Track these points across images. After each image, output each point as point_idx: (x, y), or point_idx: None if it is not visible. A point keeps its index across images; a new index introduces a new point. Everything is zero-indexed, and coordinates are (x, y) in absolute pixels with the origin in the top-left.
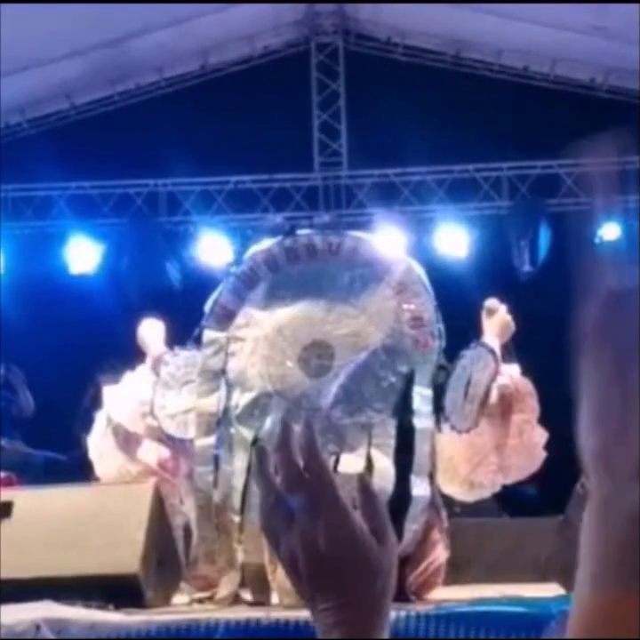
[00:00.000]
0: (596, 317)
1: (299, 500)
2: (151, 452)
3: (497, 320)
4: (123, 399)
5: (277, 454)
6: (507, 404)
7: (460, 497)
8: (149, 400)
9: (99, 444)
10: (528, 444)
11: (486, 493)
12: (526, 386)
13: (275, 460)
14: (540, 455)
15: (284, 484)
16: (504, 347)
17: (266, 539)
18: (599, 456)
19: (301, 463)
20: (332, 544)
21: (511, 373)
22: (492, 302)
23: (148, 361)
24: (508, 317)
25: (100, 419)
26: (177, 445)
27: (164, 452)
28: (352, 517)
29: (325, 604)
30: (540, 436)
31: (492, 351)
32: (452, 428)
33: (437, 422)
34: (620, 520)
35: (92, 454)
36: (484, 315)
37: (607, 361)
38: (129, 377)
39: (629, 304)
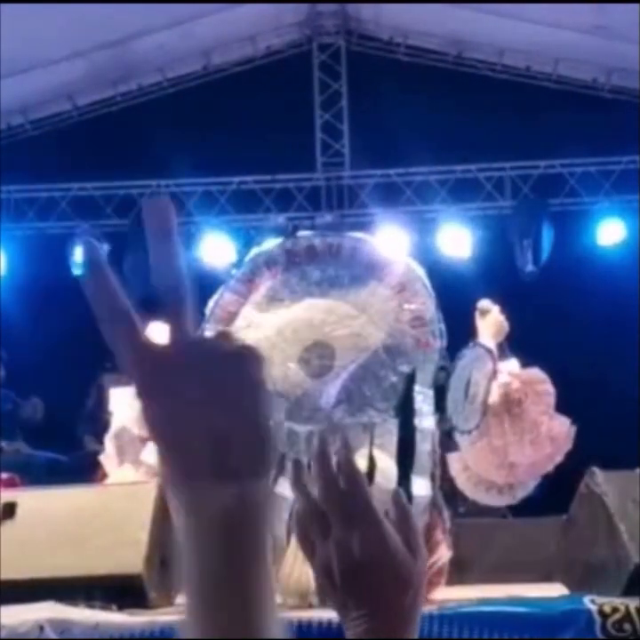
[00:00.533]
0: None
1: (334, 510)
2: (155, 454)
3: (491, 320)
4: (128, 401)
5: (315, 465)
6: (512, 400)
7: (504, 502)
8: None
9: (106, 448)
10: (548, 435)
11: (525, 491)
12: (535, 375)
13: (312, 470)
14: (566, 442)
15: (321, 495)
16: (499, 346)
17: (301, 547)
18: (164, 469)
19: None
20: (367, 554)
21: (511, 369)
22: (484, 303)
23: None
24: (502, 317)
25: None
26: None
27: None
28: (387, 529)
29: (357, 612)
30: (562, 424)
31: (489, 351)
32: (454, 428)
33: (438, 423)
34: (202, 529)
35: (102, 458)
36: (477, 316)
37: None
38: None
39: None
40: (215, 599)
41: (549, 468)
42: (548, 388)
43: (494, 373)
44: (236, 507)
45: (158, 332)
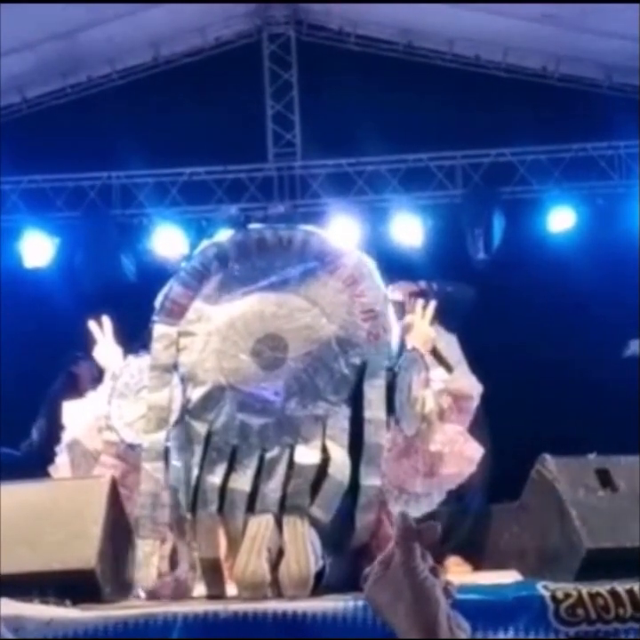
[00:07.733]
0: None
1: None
2: (109, 469)
3: (415, 333)
4: (80, 414)
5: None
6: (442, 411)
7: (423, 510)
8: (105, 414)
9: (57, 460)
10: (458, 454)
11: (430, 507)
12: (463, 390)
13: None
14: (470, 468)
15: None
16: (432, 352)
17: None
18: None
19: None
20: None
21: (443, 378)
22: (408, 319)
23: (108, 377)
24: (425, 327)
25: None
26: (136, 454)
27: (123, 468)
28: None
29: None
30: (475, 450)
31: (422, 356)
32: (401, 431)
33: (387, 423)
34: None
35: (52, 469)
36: (403, 331)
37: None
38: (91, 395)
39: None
40: None
41: (453, 486)
42: (471, 406)
43: (427, 381)
44: None
45: (107, 351)
